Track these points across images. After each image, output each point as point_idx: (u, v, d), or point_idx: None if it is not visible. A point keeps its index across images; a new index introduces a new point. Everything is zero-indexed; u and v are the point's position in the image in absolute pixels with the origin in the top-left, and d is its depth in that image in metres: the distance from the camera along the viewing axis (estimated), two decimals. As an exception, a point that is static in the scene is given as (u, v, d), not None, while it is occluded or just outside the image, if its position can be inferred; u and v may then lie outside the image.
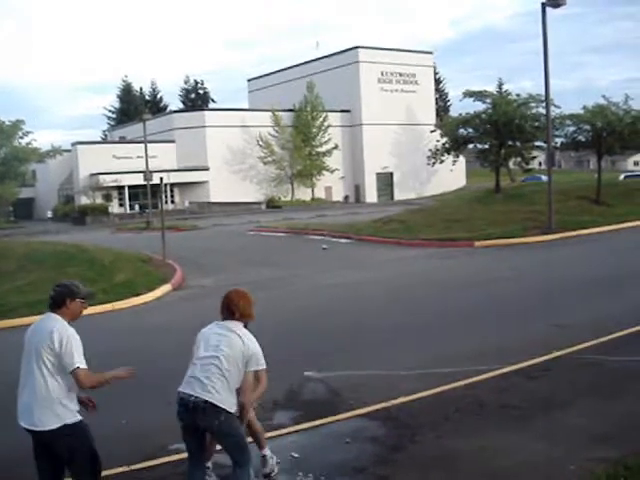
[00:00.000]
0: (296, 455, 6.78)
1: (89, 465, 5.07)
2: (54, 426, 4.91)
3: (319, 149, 70.43)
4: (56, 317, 5.10)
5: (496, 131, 38.22)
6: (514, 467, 6.25)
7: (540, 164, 53.57)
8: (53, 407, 4.93)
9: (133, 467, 6.69)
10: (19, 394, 5.08)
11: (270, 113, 69.45)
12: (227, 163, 67.74)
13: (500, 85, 40.25)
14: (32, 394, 4.94)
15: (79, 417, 5.06)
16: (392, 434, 7.23)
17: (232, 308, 5.86)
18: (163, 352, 11.53)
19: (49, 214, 65.56)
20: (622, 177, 54.26)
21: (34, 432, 4.98)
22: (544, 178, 74.82)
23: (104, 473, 6.46)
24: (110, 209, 62.09)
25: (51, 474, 5.15)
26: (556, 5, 26.08)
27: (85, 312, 14.76)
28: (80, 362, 4.93)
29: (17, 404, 5.10)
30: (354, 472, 6.32)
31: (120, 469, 6.60)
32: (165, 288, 18.80)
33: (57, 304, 5.14)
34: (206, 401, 5.23)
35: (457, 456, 6.54)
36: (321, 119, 70.57)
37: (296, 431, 7.53)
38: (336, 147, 70.88)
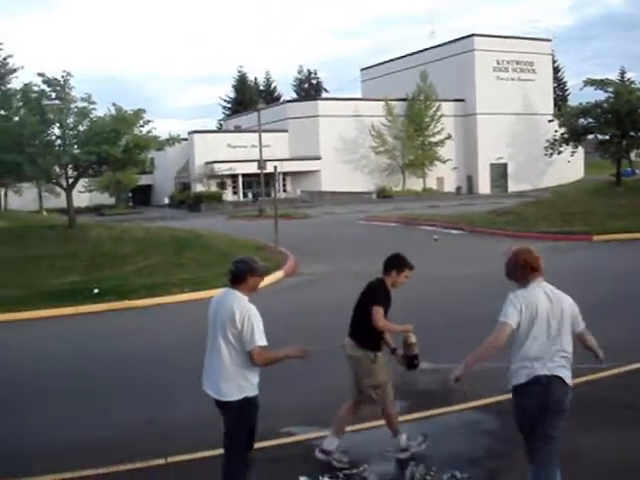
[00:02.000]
0: (408, 444, 6.74)
1: (246, 438, 5.29)
2: (235, 398, 5.15)
3: (432, 139, 69.73)
4: (236, 293, 5.26)
5: (618, 121, 36.68)
6: (633, 465, 6.00)
7: (665, 156, 51.11)
8: (237, 380, 5.15)
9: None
10: (206, 363, 5.34)
11: (383, 102, 69.24)
12: (339, 152, 68.04)
13: (622, 73, 38.67)
14: (218, 366, 5.19)
15: (257, 391, 5.27)
16: (507, 427, 7.07)
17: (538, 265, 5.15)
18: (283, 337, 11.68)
19: (166, 200, 67.79)
20: None
21: (216, 400, 5.25)
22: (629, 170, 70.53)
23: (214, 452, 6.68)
24: (224, 197, 63.63)
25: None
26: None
27: (201, 296, 15.21)
28: (260, 340, 5.09)
29: (203, 370, 5.37)
30: (467, 464, 6.23)
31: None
32: (278, 274, 19.10)
33: (237, 279, 5.29)
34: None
35: (577, 452, 6.33)
36: (434, 108, 69.81)
37: (408, 420, 7.48)
38: (449, 137, 69.99)
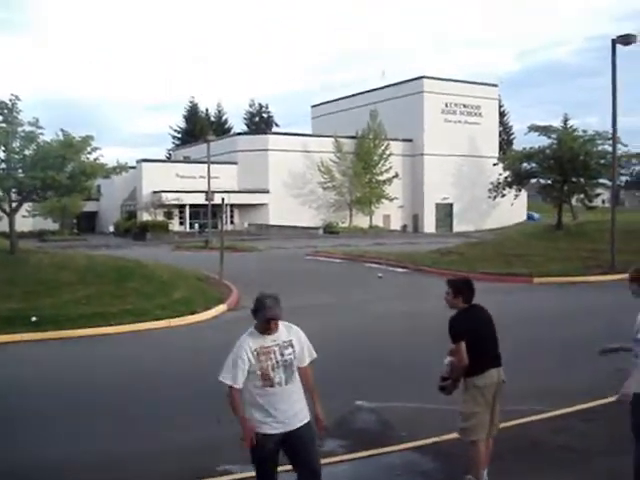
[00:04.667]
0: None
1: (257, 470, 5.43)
2: None
3: (379, 177, 70.48)
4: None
5: (560, 167, 37.65)
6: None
7: (604, 202, 52.58)
8: None
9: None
10: None
11: (332, 139, 69.87)
12: (287, 187, 68.29)
13: (565, 120, 39.92)
14: None
15: (260, 426, 5.24)
16: (444, 470, 7.12)
17: None
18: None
19: (111, 228, 66.97)
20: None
21: None
22: (536, 216, 73.02)
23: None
24: (170, 227, 63.11)
25: None
26: (627, 43, 25.68)
27: (141, 327, 14.94)
28: (220, 375, 5.28)
29: None
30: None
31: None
32: (221, 308, 18.96)
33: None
34: None
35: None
36: (383, 147, 70.69)
37: (346, 460, 7.47)
38: (396, 176, 70.85)
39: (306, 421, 5.33)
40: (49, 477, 7.23)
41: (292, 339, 5.33)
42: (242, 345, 5.24)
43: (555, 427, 8.37)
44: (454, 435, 7.64)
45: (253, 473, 5.52)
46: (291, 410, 5.24)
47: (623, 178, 36.42)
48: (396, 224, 72.85)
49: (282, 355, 5.22)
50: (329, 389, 10.40)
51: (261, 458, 5.26)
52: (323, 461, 7.24)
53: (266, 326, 5.20)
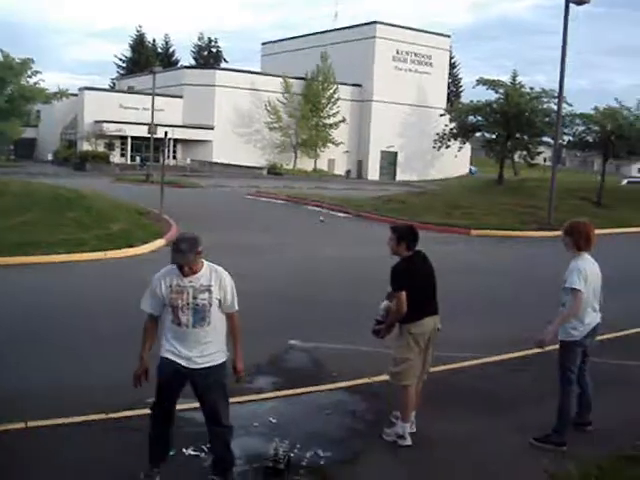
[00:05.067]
0: (274, 420, 6.80)
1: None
2: None
3: (326, 121, 70.13)
4: None
5: (505, 122, 38.11)
6: (487, 455, 6.28)
7: (545, 160, 53.42)
8: None
9: (111, 415, 6.70)
10: None
11: (281, 79, 69.04)
12: (233, 125, 67.44)
13: (514, 77, 39.94)
14: None
15: (163, 353, 5.30)
16: (372, 410, 7.26)
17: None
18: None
19: (50, 157, 65.31)
20: (624, 182, 54.18)
21: None
22: (473, 169, 74.70)
23: (85, 418, 6.52)
24: (111, 158, 61.87)
25: None
26: (580, 2, 25.84)
27: (76, 258, 14.68)
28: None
29: None
30: (329, 443, 6.34)
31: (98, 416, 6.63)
32: (159, 242, 18.76)
33: None
34: None
35: (432, 438, 6.57)
36: (331, 91, 70.18)
37: (276, 397, 7.55)
38: (343, 120, 70.57)
39: (215, 364, 5.26)
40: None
41: (212, 285, 5.16)
42: (159, 278, 5.19)
43: (484, 374, 8.60)
44: (385, 377, 7.81)
45: (180, 406, 5.54)
46: (197, 351, 5.18)
47: (566, 138, 36.80)
48: (340, 169, 72.85)
49: (194, 298, 5.10)
50: (262, 327, 10.52)
51: (160, 383, 5.24)
52: (252, 397, 7.39)
53: (181, 267, 5.10)
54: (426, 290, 6.42)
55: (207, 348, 5.24)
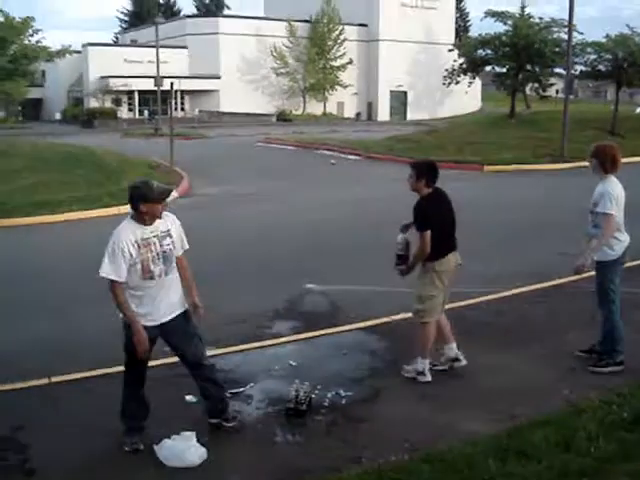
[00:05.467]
0: (294, 363, 6.86)
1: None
2: None
3: (333, 63, 69.16)
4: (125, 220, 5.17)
5: (515, 54, 37.43)
6: (508, 386, 6.31)
7: (557, 92, 52.50)
8: None
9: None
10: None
11: (285, 23, 67.92)
12: (239, 72, 66.68)
13: (522, 8, 39.15)
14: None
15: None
16: (391, 348, 7.30)
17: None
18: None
19: (57, 116, 64.98)
20: (638, 110, 53.40)
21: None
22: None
23: (103, 371, 6.61)
24: (119, 113, 61.52)
25: None
26: None
27: (90, 215, 14.75)
28: (101, 270, 5.00)
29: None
30: (351, 382, 6.39)
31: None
32: (172, 195, 18.73)
33: (131, 207, 5.10)
34: None
35: (452, 373, 6.61)
36: (337, 32, 69.05)
37: (295, 340, 7.61)
38: (351, 62, 69.56)
39: (181, 311, 5.29)
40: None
41: (170, 229, 5.17)
42: (121, 237, 4.98)
43: (500, 309, 8.61)
44: (402, 316, 7.83)
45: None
46: (167, 300, 5.19)
47: (577, 68, 36.17)
48: (350, 112, 72.10)
49: (161, 246, 5.07)
50: (279, 272, 10.55)
51: (135, 348, 5.09)
52: (270, 342, 7.46)
53: (144, 216, 5.00)
54: (448, 227, 6.41)
55: (176, 296, 5.28)
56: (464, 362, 6.58)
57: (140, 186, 5.05)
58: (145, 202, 4.95)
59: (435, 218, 6.23)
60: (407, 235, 6.43)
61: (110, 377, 6.30)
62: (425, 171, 6.34)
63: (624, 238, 6.50)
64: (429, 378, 6.42)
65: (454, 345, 6.62)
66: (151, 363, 5.52)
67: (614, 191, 6.36)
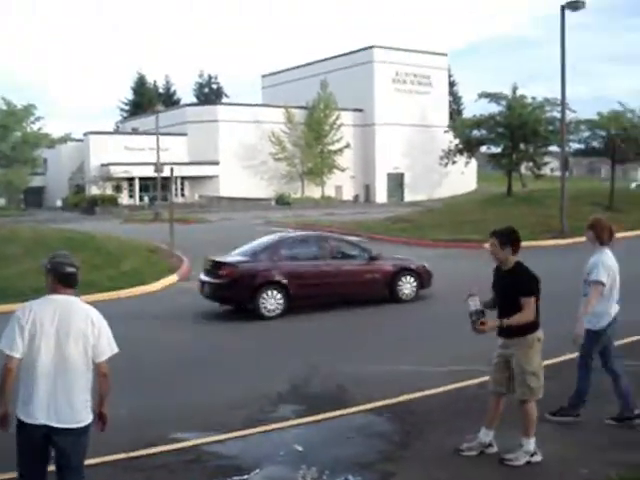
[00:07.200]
0: (300, 449, 6.62)
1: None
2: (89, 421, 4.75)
3: (331, 147, 70.22)
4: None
5: (510, 134, 38.02)
6: (525, 467, 6.06)
7: (552, 170, 53.11)
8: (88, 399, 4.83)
9: (132, 454, 6.54)
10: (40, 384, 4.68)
11: (283, 110, 69.29)
12: (238, 158, 67.62)
13: (515, 89, 39.87)
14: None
15: None
16: (398, 430, 7.06)
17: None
18: (168, 343, 11.38)
19: (59, 203, 65.52)
20: (634, 185, 53.98)
21: (55, 428, 4.58)
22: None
23: (104, 459, 6.36)
24: (120, 200, 62.07)
25: None
26: (575, 8, 25.81)
27: (89, 299, 14.51)
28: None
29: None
30: (359, 467, 6.15)
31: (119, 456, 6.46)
32: (172, 278, 18.70)
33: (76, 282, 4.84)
34: None
35: (465, 455, 6.37)
36: (334, 117, 70.33)
37: (301, 424, 7.37)
38: (347, 146, 70.66)
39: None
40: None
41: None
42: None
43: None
44: (410, 396, 7.62)
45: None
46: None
47: (572, 145, 36.74)
48: (348, 194, 72.78)
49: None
50: (287, 351, 10.30)
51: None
52: (275, 426, 7.21)
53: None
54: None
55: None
56: (495, 449, 6.27)
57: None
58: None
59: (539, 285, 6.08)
60: (477, 303, 6.07)
61: None
62: (507, 238, 6.08)
63: (613, 311, 6.73)
64: (540, 457, 6.10)
65: (492, 432, 6.32)
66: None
67: (607, 262, 6.67)
